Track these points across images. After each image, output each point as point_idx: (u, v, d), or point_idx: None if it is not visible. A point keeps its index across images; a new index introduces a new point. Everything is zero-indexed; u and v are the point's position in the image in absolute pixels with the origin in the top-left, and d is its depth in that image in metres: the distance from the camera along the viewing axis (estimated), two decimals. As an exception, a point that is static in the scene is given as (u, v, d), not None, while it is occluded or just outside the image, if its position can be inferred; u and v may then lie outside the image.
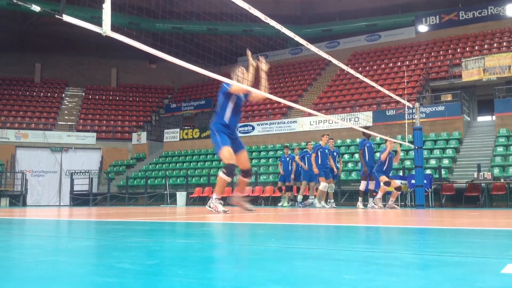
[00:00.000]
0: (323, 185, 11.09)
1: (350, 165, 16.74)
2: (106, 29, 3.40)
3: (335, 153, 12.08)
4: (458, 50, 23.09)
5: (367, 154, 10.81)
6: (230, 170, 5.80)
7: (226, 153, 5.76)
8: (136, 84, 31.83)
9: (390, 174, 10.93)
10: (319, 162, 11.23)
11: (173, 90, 31.91)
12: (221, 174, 5.85)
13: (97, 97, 29.81)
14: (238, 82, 5.73)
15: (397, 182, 10.80)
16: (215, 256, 1.59)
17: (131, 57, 29.55)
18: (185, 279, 1.12)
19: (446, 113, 17.42)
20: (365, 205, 10.96)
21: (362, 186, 10.87)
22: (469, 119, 18.93)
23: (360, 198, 11.06)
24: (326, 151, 11.44)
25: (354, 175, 15.86)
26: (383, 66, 24.28)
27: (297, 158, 12.66)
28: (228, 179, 5.83)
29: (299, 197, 12.35)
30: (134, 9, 24.50)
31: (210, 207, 5.83)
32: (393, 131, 16.52)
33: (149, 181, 20.58)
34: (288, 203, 13.23)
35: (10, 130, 23.67)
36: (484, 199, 12.95)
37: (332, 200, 11.72)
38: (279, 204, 13.73)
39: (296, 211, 7.77)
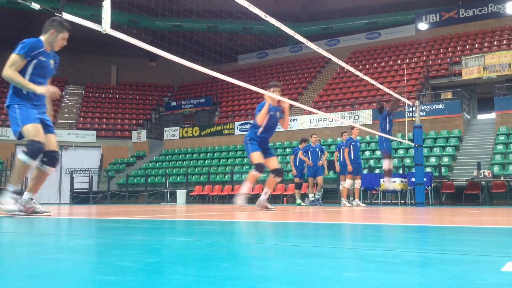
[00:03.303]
0: (348, 183, 10.76)
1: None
2: (106, 27, 3.39)
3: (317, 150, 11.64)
4: (458, 48, 23.07)
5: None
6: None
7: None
8: (136, 82, 31.81)
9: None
10: (352, 157, 10.72)
11: (173, 88, 31.89)
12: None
13: (97, 95, 29.77)
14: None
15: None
16: (214, 254, 1.59)
17: (131, 55, 29.52)
18: (185, 277, 1.12)
19: (446, 111, 17.43)
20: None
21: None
22: (469, 117, 18.93)
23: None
24: (359, 144, 10.98)
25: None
26: (383, 64, 24.26)
27: (300, 153, 11.76)
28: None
29: (313, 195, 11.51)
30: (134, 7, 24.47)
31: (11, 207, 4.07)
32: (393, 129, 16.50)
33: (149, 179, 20.60)
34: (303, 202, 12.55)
35: (10, 128, 23.66)
36: (484, 197, 12.96)
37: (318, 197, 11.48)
38: (299, 203, 11.90)
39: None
